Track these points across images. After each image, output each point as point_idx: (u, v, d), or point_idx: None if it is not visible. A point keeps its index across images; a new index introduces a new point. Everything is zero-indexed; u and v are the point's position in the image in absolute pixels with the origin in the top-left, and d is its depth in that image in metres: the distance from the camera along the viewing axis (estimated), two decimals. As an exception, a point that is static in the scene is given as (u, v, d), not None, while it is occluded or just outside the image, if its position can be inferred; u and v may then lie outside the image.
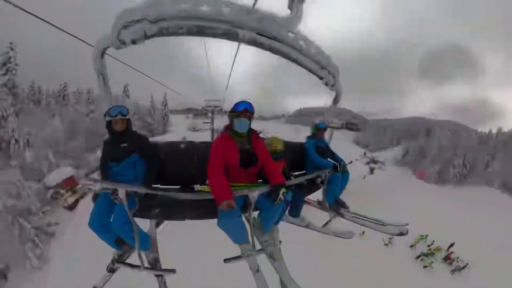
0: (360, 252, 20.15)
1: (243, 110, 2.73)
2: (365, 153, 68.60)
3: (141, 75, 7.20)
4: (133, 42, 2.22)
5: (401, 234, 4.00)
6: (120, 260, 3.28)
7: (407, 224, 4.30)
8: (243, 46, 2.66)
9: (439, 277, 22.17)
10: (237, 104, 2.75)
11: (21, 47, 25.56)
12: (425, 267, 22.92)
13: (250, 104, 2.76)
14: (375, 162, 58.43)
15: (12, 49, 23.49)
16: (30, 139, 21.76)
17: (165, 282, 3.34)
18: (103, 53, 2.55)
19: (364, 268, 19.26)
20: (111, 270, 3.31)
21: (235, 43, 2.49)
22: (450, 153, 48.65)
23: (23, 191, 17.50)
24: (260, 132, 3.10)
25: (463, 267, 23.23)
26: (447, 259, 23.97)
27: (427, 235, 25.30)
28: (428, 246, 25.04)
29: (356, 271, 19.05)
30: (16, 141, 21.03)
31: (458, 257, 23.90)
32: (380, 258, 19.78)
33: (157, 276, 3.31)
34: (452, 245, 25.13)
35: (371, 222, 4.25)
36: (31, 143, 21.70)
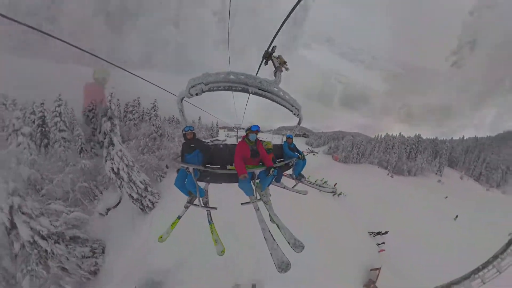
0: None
1: (254, 130, 2.54)
2: (308, 148, 68.10)
3: (207, 110, 7.08)
4: (197, 94, 2.03)
5: (332, 192, 3.70)
6: (190, 202, 3.08)
7: (336, 188, 3.98)
8: (252, 95, 2.42)
9: (326, 198, 21.15)
10: (251, 126, 2.56)
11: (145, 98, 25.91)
12: (320, 191, 22.34)
13: (258, 126, 2.57)
14: (312, 152, 58.32)
15: (155, 104, 24.88)
16: (173, 135, 24.67)
17: (210, 213, 3.14)
18: (182, 100, 2.33)
19: (300, 196, 18.23)
20: (186, 207, 3.11)
21: (247, 94, 2.26)
22: (350, 147, 47.59)
23: (175, 151, 20.43)
24: (261, 141, 2.85)
25: (339, 194, 23.22)
26: (331, 190, 24.40)
27: (327, 180, 24.58)
28: (324, 183, 24.08)
29: (297, 198, 18.44)
30: (165, 135, 23.40)
31: (337, 189, 23.19)
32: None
33: (207, 210, 3.10)
34: (335, 184, 24.77)
35: (316, 185, 3.95)
36: (172, 138, 24.17)
